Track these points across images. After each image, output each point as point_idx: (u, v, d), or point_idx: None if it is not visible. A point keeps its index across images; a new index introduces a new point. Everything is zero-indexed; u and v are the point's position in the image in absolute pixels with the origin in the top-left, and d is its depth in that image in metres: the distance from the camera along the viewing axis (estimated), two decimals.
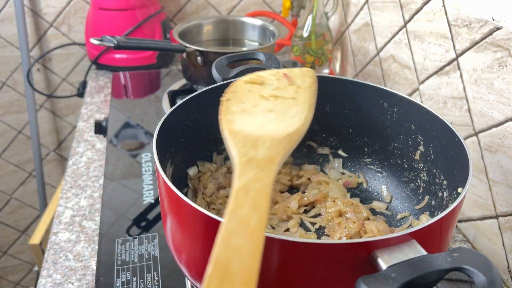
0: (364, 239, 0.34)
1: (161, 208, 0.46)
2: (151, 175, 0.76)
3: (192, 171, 0.60)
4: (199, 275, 0.43)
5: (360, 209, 0.59)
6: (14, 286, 1.60)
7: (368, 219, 0.58)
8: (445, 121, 0.51)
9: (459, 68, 0.65)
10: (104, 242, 0.62)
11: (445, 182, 0.52)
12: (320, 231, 0.57)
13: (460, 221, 0.68)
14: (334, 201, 0.60)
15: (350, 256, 0.35)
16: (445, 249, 0.42)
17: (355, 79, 0.60)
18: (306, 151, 0.67)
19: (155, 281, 0.56)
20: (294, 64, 1.00)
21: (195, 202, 0.38)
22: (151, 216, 0.67)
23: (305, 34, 0.99)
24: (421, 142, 0.56)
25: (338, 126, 0.64)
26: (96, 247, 0.62)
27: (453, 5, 0.65)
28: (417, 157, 0.57)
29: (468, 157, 0.45)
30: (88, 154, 0.85)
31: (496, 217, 0.60)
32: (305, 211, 0.60)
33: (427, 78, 0.73)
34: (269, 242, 0.35)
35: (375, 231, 0.54)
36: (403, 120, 0.57)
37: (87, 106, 1.04)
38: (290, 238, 0.34)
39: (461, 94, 0.64)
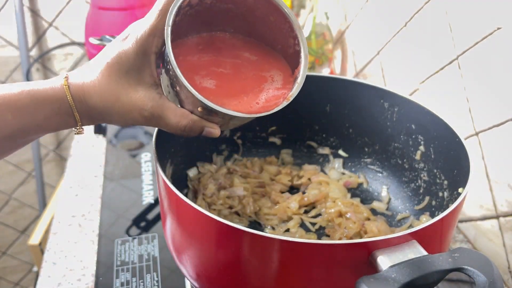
0: (364, 239, 0.34)
1: (161, 209, 0.46)
2: (151, 175, 0.76)
3: (192, 172, 0.60)
4: (198, 275, 0.42)
5: (361, 209, 0.58)
6: (14, 286, 1.60)
7: (369, 219, 0.58)
8: (446, 121, 0.50)
9: (459, 68, 0.65)
10: (104, 243, 0.62)
11: (445, 182, 0.52)
12: (320, 232, 0.57)
13: (460, 221, 0.67)
14: (334, 202, 0.60)
15: (350, 257, 0.35)
16: (445, 250, 0.42)
17: (356, 79, 0.60)
18: (306, 151, 0.67)
19: (155, 282, 0.56)
20: None
21: (195, 203, 0.38)
22: (150, 216, 0.67)
23: (305, 34, 0.98)
24: (422, 142, 0.55)
25: (338, 126, 0.64)
26: (96, 247, 0.62)
27: (453, 5, 0.65)
28: (417, 157, 0.57)
29: (468, 157, 0.45)
30: (87, 154, 0.85)
31: (497, 217, 0.60)
32: (306, 212, 0.60)
33: (428, 78, 0.72)
34: (270, 242, 0.35)
35: (376, 231, 0.54)
36: (404, 120, 0.57)
37: None
38: (290, 239, 0.34)
39: (462, 94, 0.64)
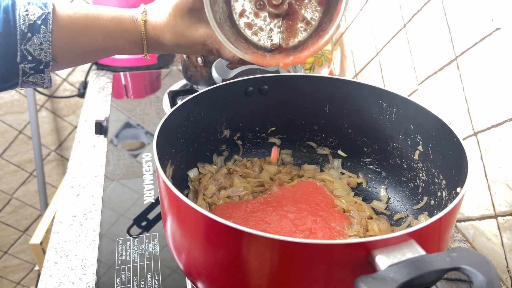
0: (363, 239, 0.34)
1: (161, 209, 0.47)
2: (152, 175, 0.77)
3: (192, 173, 0.60)
4: (199, 275, 0.43)
5: (363, 208, 0.59)
6: (15, 285, 1.60)
7: (371, 218, 0.58)
8: (444, 121, 0.51)
9: (458, 68, 0.65)
10: (105, 242, 0.62)
11: (444, 182, 0.52)
12: None
13: (459, 220, 0.68)
14: (338, 199, 0.60)
15: (349, 256, 0.35)
16: (444, 249, 0.42)
17: (355, 80, 0.60)
18: (306, 152, 0.67)
19: (156, 281, 0.56)
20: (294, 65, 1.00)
21: (195, 203, 0.38)
22: (151, 215, 0.68)
23: None
24: (420, 142, 0.56)
25: (337, 126, 0.64)
26: (97, 246, 0.63)
27: (452, 6, 0.65)
28: (416, 157, 0.57)
29: (467, 157, 0.45)
30: (88, 154, 0.85)
31: (495, 216, 0.60)
32: None
33: (427, 78, 0.73)
34: (269, 242, 0.35)
35: (376, 230, 0.54)
36: (402, 120, 0.57)
37: (88, 106, 1.04)
38: (290, 239, 0.34)
39: (460, 94, 0.65)
